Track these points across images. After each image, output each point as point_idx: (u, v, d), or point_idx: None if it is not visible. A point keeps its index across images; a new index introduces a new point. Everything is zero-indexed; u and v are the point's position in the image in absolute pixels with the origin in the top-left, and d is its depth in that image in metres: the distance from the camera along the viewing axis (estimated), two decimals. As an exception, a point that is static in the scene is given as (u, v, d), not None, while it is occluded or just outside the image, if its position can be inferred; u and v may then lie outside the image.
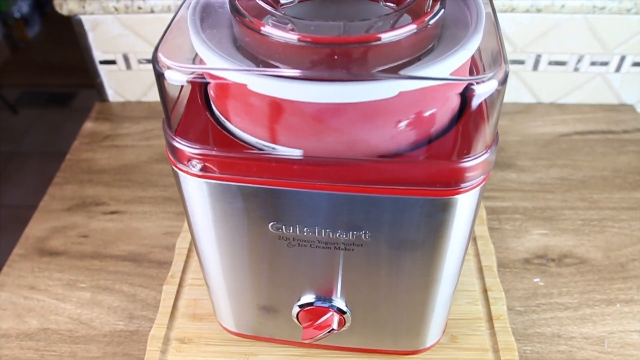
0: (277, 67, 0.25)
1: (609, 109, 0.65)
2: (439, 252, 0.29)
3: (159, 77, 0.24)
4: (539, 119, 0.64)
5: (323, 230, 0.28)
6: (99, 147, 0.62)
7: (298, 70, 0.22)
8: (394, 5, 0.29)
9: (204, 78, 0.24)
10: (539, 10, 0.56)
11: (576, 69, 0.62)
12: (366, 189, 0.25)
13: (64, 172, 0.59)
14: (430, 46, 0.25)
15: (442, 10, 0.26)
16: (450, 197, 0.25)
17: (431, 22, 0.25)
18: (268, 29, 0.24)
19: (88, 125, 0.65)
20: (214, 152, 0.25)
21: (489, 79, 0.22)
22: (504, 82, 0.23)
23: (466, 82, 0.23)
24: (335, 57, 0.23)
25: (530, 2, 0.55)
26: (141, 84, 0.67)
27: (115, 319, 0.45)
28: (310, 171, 0.25)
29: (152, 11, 0.58)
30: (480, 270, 0.45)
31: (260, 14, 0.25)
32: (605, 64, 0.62)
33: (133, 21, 0.60)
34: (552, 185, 0.56)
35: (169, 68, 0.23)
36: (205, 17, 0.27)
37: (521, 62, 0.62)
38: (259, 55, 0.25)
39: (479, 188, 0.26)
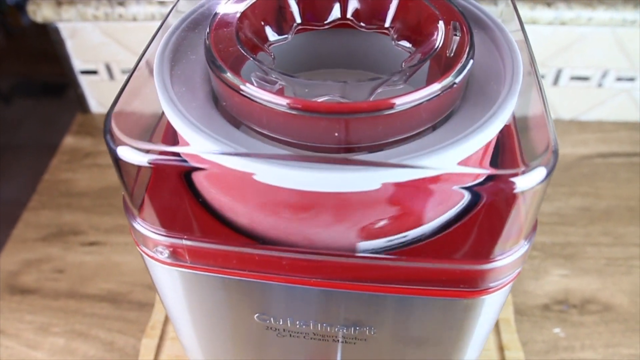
0: (260, 132, 0.20)
1: (633, 128, 0.60)
2: (458, 347, 0.24)
3: (113, 154, 0.19)
4: (558, 138, 0.59)
5: (319, 324, 0.23)
6: (80, 166, 0.57)
7: (282, 151, 0.18)
8: (409, 44, 0.24)
9: (174, 158, 0.19)
10: (563, 23, 0.51)
11: (600, 85, 0.57)
12: (372, 287, 0.21)
13: (40, 194, 0.54)
14: (451, 110, 0.20)
15: (471, 61, 0.20)
16: (476, 298, 0.21)
17: (458, 79, 0.20)
18: (249, 90, 0.19)
19: (68, 141, 0.60)
20: (184, 242, 0.20)
21: (535, 167, 0.17)
22: (553, 167, 0.18)
23: (504, 174, 0.18)
24: (336, 133, 0.18)
25: (554, 14, 0.50)
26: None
27: (91, 372, 0.41)
28: (303, 266, 0.20)
29: (134, 19, 0.52)
30: (497, 323, 0.40)
31: (243, 60, 0.20)
32: (631, 79, 0.56)
33: (114, 29, 0.54)
34: (572, 217, 0.51)
35: (124, 144, 0.19)
36: (177, 61, 0.22)
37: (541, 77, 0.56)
38: (241, 119, 0.20)
39: (511, 284, 0.21)
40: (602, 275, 0.46)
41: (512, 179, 0.17)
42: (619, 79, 0.56)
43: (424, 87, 0.19)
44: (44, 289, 0.46)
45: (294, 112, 0.18)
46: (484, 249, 0.20)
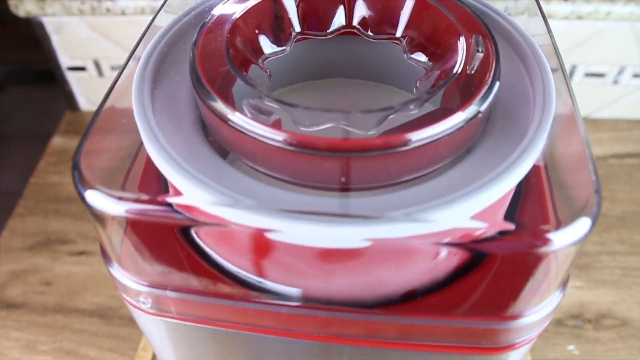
0: (255, 169, 0.17)
1: (649, 126, 0.57)
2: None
3: (82, 198, 0.16)
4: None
5: (322, 375, 0.21)
6: (68, 168, 0.54)
7: (275, 203, 0.15)
8: (423, 57, 0.21)
9: (161, 209, 0.16)
10: (579, 17, 0.47)
11: (615, 82, 0.54)
12: (384, 343, 0.18)
13: (27, 199, 0.52)
14: (471, 143, 0.18)
15: (498, 83, 0.18)
16: (499, 354, 0.18)
17: (483, 106, 0.17)
18: (241, 122, 0.16)
19: (56, 141, 0.57)
20: (168, 294, 0.18)
21: (575, 219, 0.15)
22: (597, 215, 0.15)
23: (536, 230, 0.15)
24: (343, 179, 0.16)
25: (571, 8, 0.47)
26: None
27: (80, 393, 0.39)
28: (308, 321, 0.18)
29: (123, 13, 0.49)
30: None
31: (234, 80, 0.18)
32: (649, 76, 0.53)
33: (102, 24, 0.51)
34: (586, 223, 0.48)
35: (93, 188, 0.16)
36: (160, 80, 0.19)
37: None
38: (233, 152, 0.17)
39: (537, 338, 0.19)
40: (618, 287, 0.44)
41: (548, 235, 0.15)
42: (636, 76, 0.53)
43: (443, 117, 0.16)
44: (31, 303, 0.44)
45: (291, 149, 0.16)
46: (508, 305, 0.17)
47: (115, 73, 0.56)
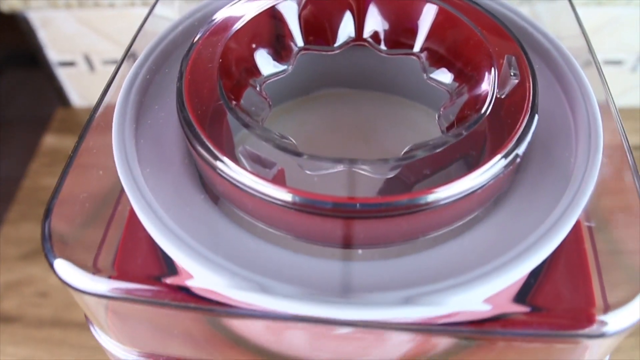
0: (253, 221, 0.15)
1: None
2: None
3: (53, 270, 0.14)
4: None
5: None
6: (61, 169, 0.52)
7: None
8: (447, 78, 0.18)
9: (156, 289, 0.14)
10: (599, 4, 0.44)
11: (634, 69, 0.51)
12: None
13: (20, 204, 0.49)
14: (499, 194, 0.15)
15: (535, 116, 0.15)
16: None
17: (521, 149, 0.14)
18: (238, 176, 0.14)
19: (48, 140, 0.55)
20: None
21: (630, 302, 0.12)
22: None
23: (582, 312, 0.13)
24: (353, 248, 0.13)
25: (592, -8, 0.43)
26: (110, 87, 0.56)
27: (79, 414, 0.37)
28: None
29: (112, 6, 0.46)
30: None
31: (227, 117, 0.15)
32: (672, 62, 0.50)
33: (91, 18, 0.48)
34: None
35: (64, 259, 0.14)
36: (143, 116, 0.17)
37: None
38: (230, 203, 0.15)
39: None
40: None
41: (598, 318, 0.12)
42: (659, 62, 0.50)
43: (472, 167, 0.14)
44: (27, 316, 0.42)
45: (294, 208, 0.13)
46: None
47: (107, 68, 0.53)
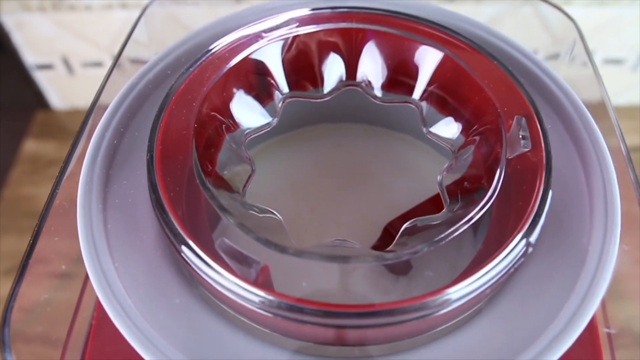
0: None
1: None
2: None
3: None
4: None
5: None
6: (43, 177, 0.50)
7: None
8: (448, 134, 0.16)
9: None
10: (601, 4, 0.42)
11: (634, 68, 0.49)
12: None
13: (2, 214, 0.48)
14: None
15: (550, 194, 0.14)
16: None
17: (533, 236, 0.13)
18: (217, 277, 0.12)
19: (29, 146, 0.52)
20: None
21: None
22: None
23: None
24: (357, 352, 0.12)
25: (596, -9, 0.41)
26: (90, 88, 0.53)
27: None
28: None
29: (88, 9, 0.44)
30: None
31: (205, 200, 0.14)
32: (674, 59, 0.48)
33: (68, 20, 0.46)
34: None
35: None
36: (110, 191, 0.15)
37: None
38: (212, 297, 0.13)
39: None
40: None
41: None
42: (660, 60, 0.49)
43: (481, 262, 0.12)
44: (13, 336, 0.41)
45: (282, 315, 0.12)
46: None
47: (87, 70, 0.51)
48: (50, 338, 0.13)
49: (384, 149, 0.22)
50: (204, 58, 0.16)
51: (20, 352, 0.13)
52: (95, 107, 0.17)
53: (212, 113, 0.15)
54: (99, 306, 0.14)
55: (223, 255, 0.12)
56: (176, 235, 0.12)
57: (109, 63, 0.50)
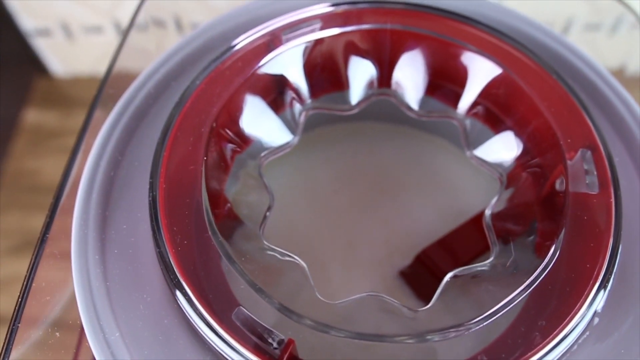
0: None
1: None
2: None
3: None
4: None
5: None
6: (46, 149, 0.48)
7: None
8: (495, 159, 0.14)
9: None
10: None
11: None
12: None
13: (5, 189, 0.46)
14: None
15: (620, 249, 0.11)
16: None
17: (599, 305, 0.11)
18: (227, 351, 0.10)
19: (30, 116, 0.50)
20: None
21: None
22: None
23: None
24: None
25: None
26: (91, 54, 0.51)
27: (81, 422, 0.36)
28: None
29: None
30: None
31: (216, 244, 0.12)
32: None
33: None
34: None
35: None
36: (111, 222, 0.13)
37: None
38: None
39: None
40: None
41: None
42: None
43: (543, 337, 0.10)
44: (28, 314, 0.40)
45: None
46: None
47: (89, 37, 0.48)
48: (65, 320, 0.12)
49: (420, 157, 0.19)
50: (211, 68, 0.14)
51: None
52: (110, 75, 0.15)
53: (224, 139, 0.13)
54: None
55: (242, 327, 0.11)
56: (191, 303, 0.11)
57: (109, 28, 0.47)
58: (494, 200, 0.14)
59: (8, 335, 0.12)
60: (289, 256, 0.13)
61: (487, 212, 0.14)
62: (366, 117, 0.20)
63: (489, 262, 0.12)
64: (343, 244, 0.17)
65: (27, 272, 0.13)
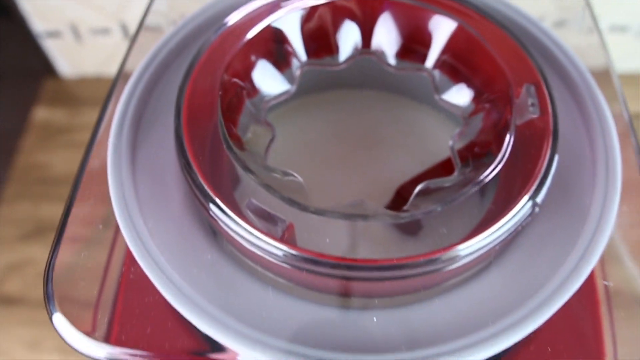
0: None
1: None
2: None
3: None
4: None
5: None
6: (55, 145, 0.51)
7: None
8: (459, 101, 0.17)
9: None
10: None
11: (638, 35, 0.49)
12: None
13: (15, 181, 0.49)
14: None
15: (555, 159, 0.14)
16: None
17: (540, 197, 0.14)
18: (245, 234, 0.13)
19: (40, 114, 0.53)
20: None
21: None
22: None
23: None
24: (360, 294, 0.13)
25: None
26: (98, 55, 0.54)
27: (90, 394, 0.38)
28: None
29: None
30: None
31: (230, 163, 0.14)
32: (683, 25, 0.48)
33: (75, -14, 0.46)
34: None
35: (67, 322, 0.13)
36: (139, 154, 0.16)
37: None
38: (234, 249, 0.14)
39: None
40: None
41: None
42: (668, 26, 0.49)
43: (490, 221, 0.13)
44: (30, 297, 0.43)
45: (303, 267, 0.13)
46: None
47: (95, 38, 0.51)
48: (85, 294, 0.15)
49: (398, 115, 0.23)
50: (224, 28, 0.17)
51: (62, 306, 0.14)
52: (120, 75, 0.18)
53: (234, 80, 0.16)
54: (128, 264, 0.15)
55: (250, 215, 0.13)
56: (206, 196, 0.13)
57: (116, 30, 0.50)
58: (456, 131, 0.16)
59: (58, 233, 0.15)
60: (290, 174, 0.15)
61: (450, 143, 0.16)
62: (352, 85, 0.23)
63: (453, 176, 0.15)
64: (334, 182, 0.19)
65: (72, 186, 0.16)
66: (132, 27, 0.50)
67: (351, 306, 0.14)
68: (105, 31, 0.50)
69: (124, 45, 0.51)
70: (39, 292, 0.42)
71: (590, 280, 0.14)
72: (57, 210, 0.47)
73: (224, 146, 0.14)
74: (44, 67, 0.54)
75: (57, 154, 0.50)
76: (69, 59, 0.53)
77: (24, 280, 0.43)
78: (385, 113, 0.23)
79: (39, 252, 0.44)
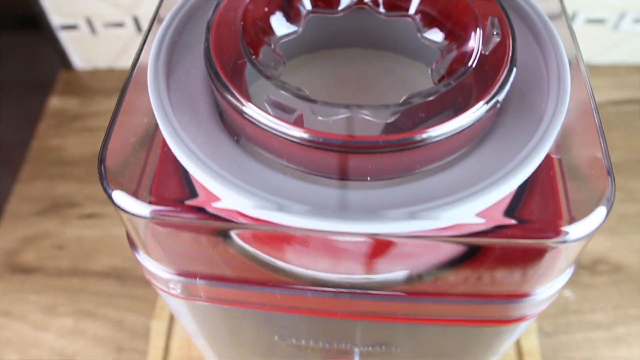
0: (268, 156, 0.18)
1: (649, 71, 0.57)
2: (484, 356, 0.23)
3: (110, 199, 0.17)
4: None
5: (344, 344, 0.22)
6: (69, 130, 0.54)
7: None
8: (438, 37, 0.21)
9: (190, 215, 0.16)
10: (584, -36, 0.46)
11: (616, 27, 0.54)
12: (399, 318, 0.19)
13: (31, 164, 0.52)
14: (484, 132, 0.18)
15: (514, 69, 0.18)
16: (509, 325, 0.20)
17: (501, 95, 0.17)
18: (264, 119, 0.16)
19: (54, 102, 0.56)
20: (198, 283, 0.19)
21: (590, 214, 0.16)
22: (609, 210, 0.16)
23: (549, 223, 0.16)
24: (360, 178, 0.16)
25: (575, -46, 0.45)
26: (111, 49, 0.57)
27: (103, 352, 0.41)
28: (328, 303, 0.19)
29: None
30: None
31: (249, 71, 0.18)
32: (651, 20, 0.53)
33: (92, -19, 0.49)
34: (584, 173, 0.49)
35: (121, 190, 0.16)
36: (174, 72, 0.19)
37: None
38: (250, 142, 0.18)
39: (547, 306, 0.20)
40: (614, 234, 0.46)
41: (562, 229, 0.15)
42: (637, 21, 0.53)
43: (460, 111, 0.17)
44: (46, 267, 0.45)
45: (310, 145, 0.16)
46: (519, 285, 0.18)
47: (109, 31, 0.54)
48: (130, 173, 0.18)
49: (388, 69, 0.26)
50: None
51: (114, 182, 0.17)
52: (137, 64, 0.20)
53: (253, 17, 0.20)
54: (163, 151, 0.18)
55: (268, 108, 0.17)
56: (233, 96, 0.17)
57: (130, 23, 0.54)
58: (434, 60, 0.20)
59: (112, 120, 0.18)
60: (299, 89, 0.19)
61: (429, 70, 0.20)
62: (354, 45, 0.27)
63: (431, 88, 0.19)
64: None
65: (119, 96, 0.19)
66: (145, 22, 0.54)
67: (348, 187, 0.17)
68: (118, 25, 0.54)
69: (135, 40, 0.55)
70: (54, 262, 0.45)
71: (547, 159, 0.17)
72: (72, 189, 0.50)
73: (243, 54, 0.18)
74: (59, 58, 0.58)
75: (70, 138, 0.53)
76: (83, 52, 0.57)
77: (39, 251, 0.46)
78: (377, 66, 0.26)
79: (54, 226, 0.47)
